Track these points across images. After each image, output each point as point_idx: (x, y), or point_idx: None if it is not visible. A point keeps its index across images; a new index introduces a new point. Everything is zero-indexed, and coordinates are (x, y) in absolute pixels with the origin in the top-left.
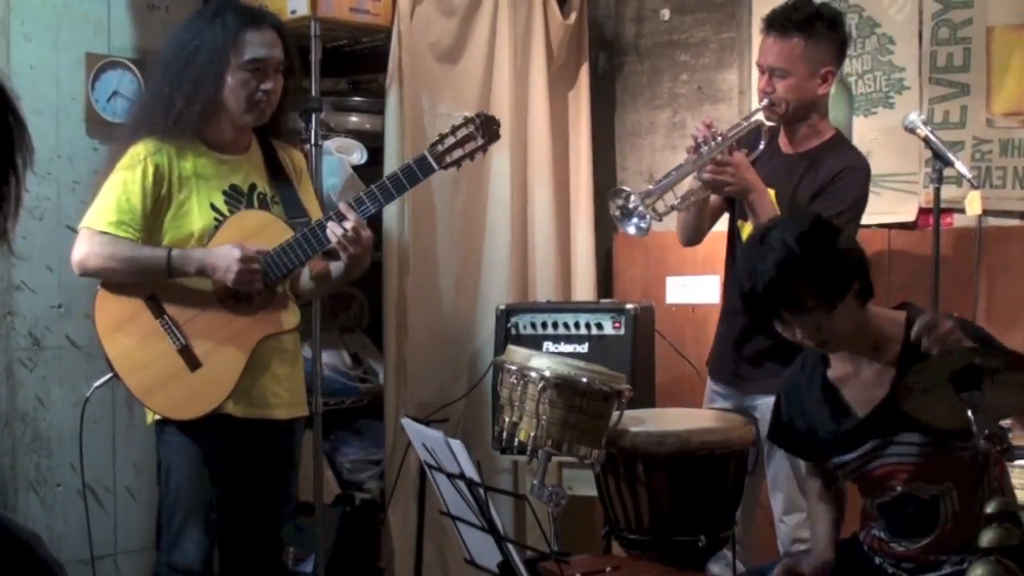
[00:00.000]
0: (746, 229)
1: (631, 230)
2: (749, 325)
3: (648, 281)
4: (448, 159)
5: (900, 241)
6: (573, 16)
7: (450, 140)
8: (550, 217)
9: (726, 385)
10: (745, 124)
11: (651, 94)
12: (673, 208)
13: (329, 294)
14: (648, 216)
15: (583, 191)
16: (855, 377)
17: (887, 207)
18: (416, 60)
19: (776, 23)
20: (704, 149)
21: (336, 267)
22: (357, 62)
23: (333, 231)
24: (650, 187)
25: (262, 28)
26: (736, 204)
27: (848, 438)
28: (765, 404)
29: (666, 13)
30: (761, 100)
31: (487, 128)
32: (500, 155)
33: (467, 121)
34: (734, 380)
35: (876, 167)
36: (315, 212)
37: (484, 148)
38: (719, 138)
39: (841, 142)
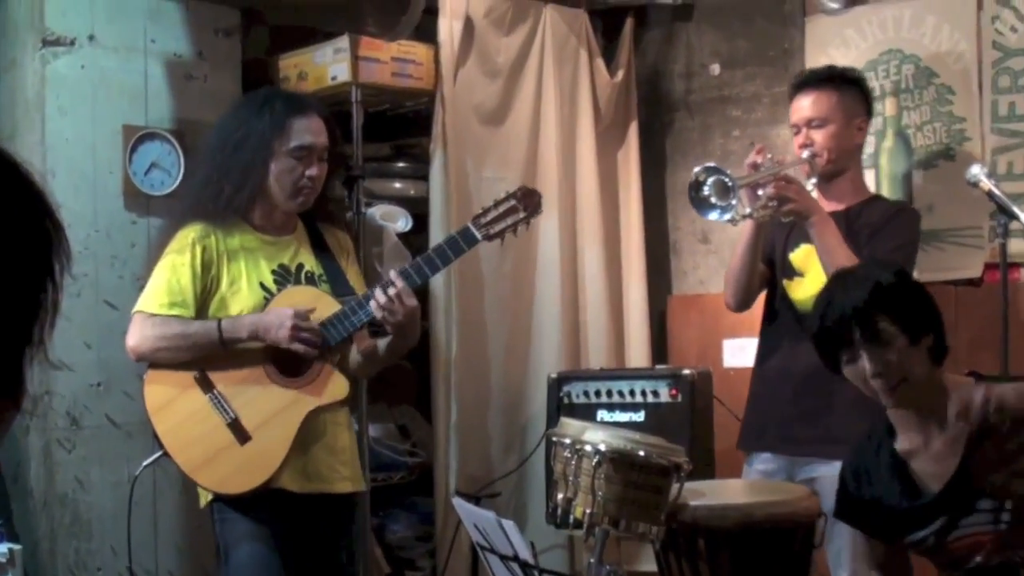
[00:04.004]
0: (793, 288)
1: (714, 215)
2: (803, 383)
3: (704, 344)
4: (492, 231)
5: (966, 298)
6: (620, 74)
7: (492, 213)
8: (601, 280)
9: (775, 454)
10: (793, 160)
11: (702, 151)
12: (746, 216)
13: (378, 370)
14: (735, 203)
15: (634, 252)
16: (925, 450)
17: (951, 263)
18: (460, 123)
19: (808, 81)
20: (764, 168)
21: (382, 344)
22: (400, 127)
23: (378, 299)
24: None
25: (309, 116)
26: (779, 264)
27: (921, 515)
28: (823, 473)
29: (716, 68)
30: (800, 155)
31: (528, 201)
32: (548, 217)
33: (508, 196)
34: (785, 445)
35: (939, 222)
36: (362, 290)
37: (527, 221)
38: (774, 163)
39: (884, 197)
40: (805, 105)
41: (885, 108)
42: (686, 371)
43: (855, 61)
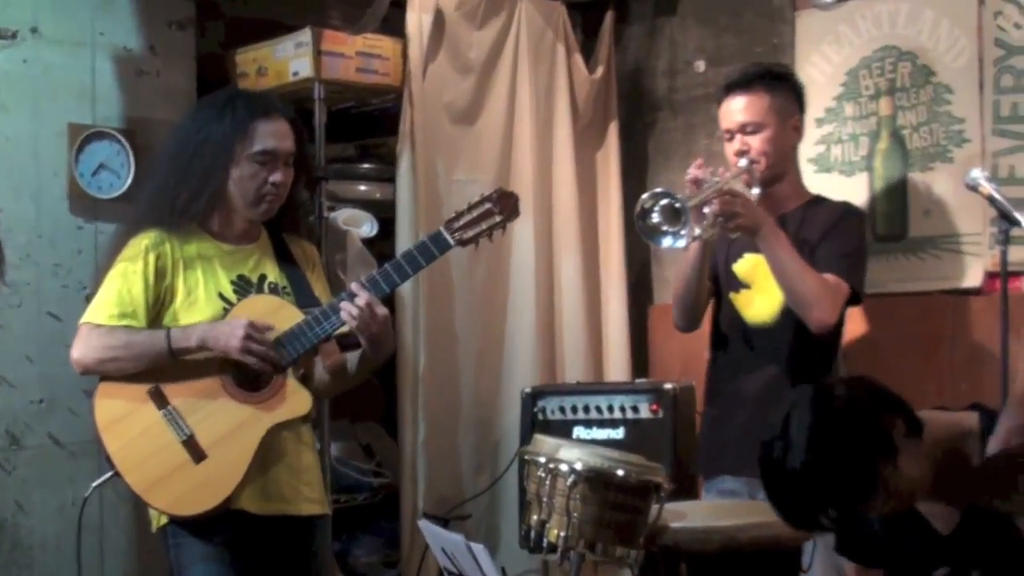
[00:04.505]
0: (740, 301)
1: (666, 242)
2: (757, 403)
3: (687, 357)
4: (465, 235)
5: (965, 309)
6: (600, 70)
7: (467, 217)
8: (578, 288)
9: (735, 476)
10: (737, 170)
11: (686, 152)
12: (696, 239)
13: (350, 388)
14: (688, 227)
15: (614, 259)
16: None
17: (949, 272)
18: (430, 122)
19: (737, 83)
20: (706, 185)
21: (352, 358)
22: (365, 126)
23: (347, 310)
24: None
25: (274, 118)
26: (723, 277)
27: (933, 555)
28: None
29: (701, 65)
30: (735, 165)
31: (505, 204)
32: (523, 222)
33: (483, 199)
34: (745, 468)
35: (936, 228)
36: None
37: (503, 225)
38: (716, 178)
39: (825, 198)
40: (737, 109)
41: (880, 108)
42: (668, 385)
43: (848, 58)
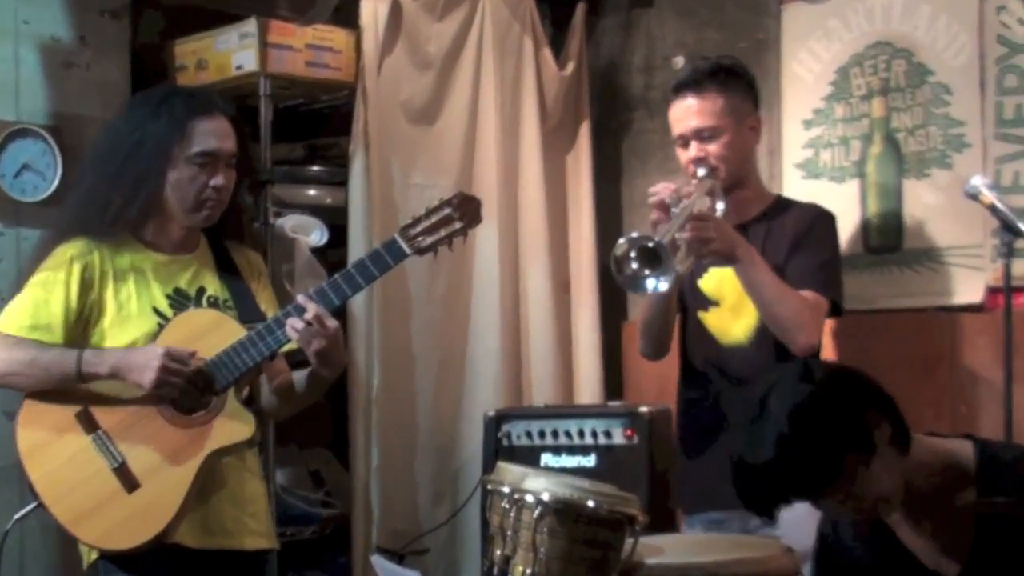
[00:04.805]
0: (709, 319)
1: (663, 285)
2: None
3: (665, 378)
4: (423, 243)
5: (965, 327)
6: (571, 66)
7: (424, 223)
8: (547, 303)
9: (722, 510)
10: (698, 183)
11: (664, 155)
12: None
13: (299, 409)
14: (670, 262)
15: (585, 272)
16: (917, 524)
17: (947, 286)
18: (385, 121)
19: (686, 84)
20: (675, 210)
21: (301, 377)
22: (315, 124)
23: (292, 326)
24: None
25: (214, 116)
26: (689, 294)
27: None
28: (783, 518)
29: (680, 61)
30: (693, 174)
31: (466, 209)
32: (487, 231)
33: (442, 204)
34: (731, 500)
35: (934, 239)
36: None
37: (464, 232)
38: (683, 200)
39: (790, 200)
40: (690, 113)
41: (872, 109)
42: (643, 409)
43: (838, 55)
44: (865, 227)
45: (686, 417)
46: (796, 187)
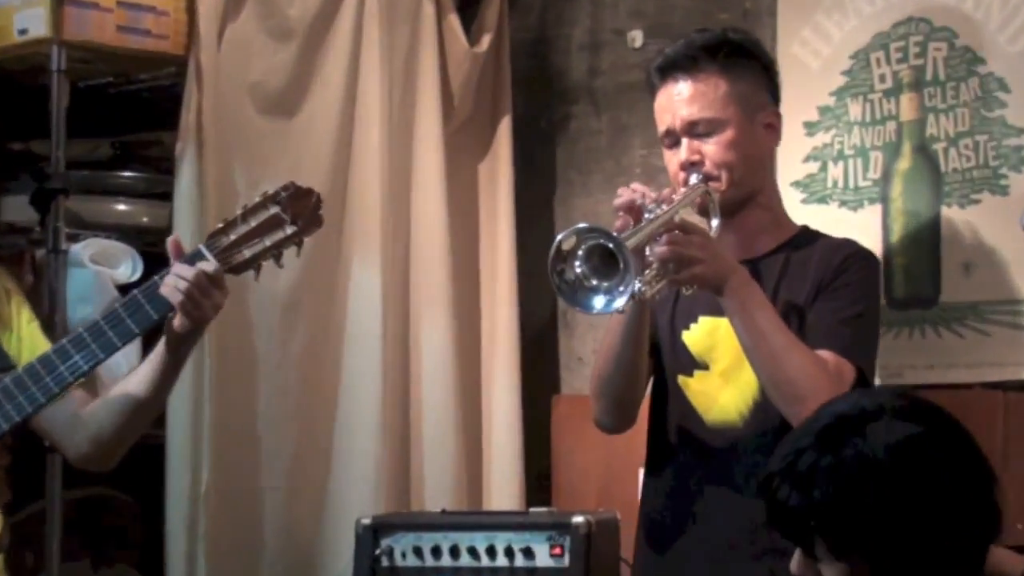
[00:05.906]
0: (692, 387)
1: (598, 303)
2: (729, 552)
3: (609, 474)
4: (235, 259)
5: (1020, 406)
6: (486, 40)
7: (240, 228)
8: (448, 367)
9: None
10: (689, 190)
11: (614, 165)
12: (635, 296)
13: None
14: (630, 279)
15: (503, 325)
16: None
17: (999, 355)
18: (227, 111)
19: (674, 63)
20: (649, 215)
21: (141, 376)
22: (129, 114)
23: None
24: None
25: None
26: (667, 351)
27: None
28: None
29: (638, 36)
30: (684, 182)
31: (299, 207)
32: (367, 266)
33: (265, 200)
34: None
35: (980, 290)
36: (28, 356)
37: (298, 240)
38: (663, 205)
39: (820, 233)
40: (680, 102)
41: (901, 110)
42: (578, 519)
43: (855, 34)
44: (889, 272)
45: (648, 524)
46: (793, 214)
